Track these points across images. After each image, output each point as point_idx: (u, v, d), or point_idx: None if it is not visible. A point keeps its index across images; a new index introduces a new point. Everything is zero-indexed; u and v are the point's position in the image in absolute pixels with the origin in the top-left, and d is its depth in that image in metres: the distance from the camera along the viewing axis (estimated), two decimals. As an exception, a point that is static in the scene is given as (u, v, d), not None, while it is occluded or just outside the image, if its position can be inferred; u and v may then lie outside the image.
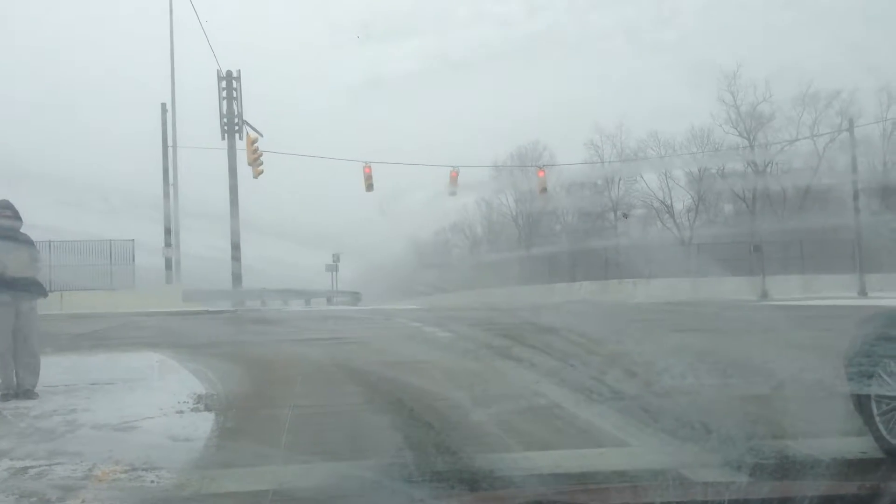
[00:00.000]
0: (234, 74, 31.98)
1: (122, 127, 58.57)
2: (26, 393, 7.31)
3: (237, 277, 29.81)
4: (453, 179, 31.64)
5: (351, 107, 77.98)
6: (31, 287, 7.65)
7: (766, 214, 43.14)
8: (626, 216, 48.40)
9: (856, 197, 34.69)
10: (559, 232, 53.68)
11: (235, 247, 28.99)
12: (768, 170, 44.85)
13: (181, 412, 6.47)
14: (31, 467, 4.63)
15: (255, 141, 29.81)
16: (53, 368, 9.31)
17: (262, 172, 29.49)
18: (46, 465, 4.66)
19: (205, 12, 62.42)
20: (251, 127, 30.61)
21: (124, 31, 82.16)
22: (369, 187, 30.63)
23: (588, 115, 64.46)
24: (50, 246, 27.97)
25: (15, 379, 7.38)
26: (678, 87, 77.24)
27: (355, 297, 39.04)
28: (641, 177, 48.38)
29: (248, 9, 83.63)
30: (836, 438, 4.82)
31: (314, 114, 73.02)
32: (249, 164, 29.66)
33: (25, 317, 7.50)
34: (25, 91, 61.73)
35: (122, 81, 74.18)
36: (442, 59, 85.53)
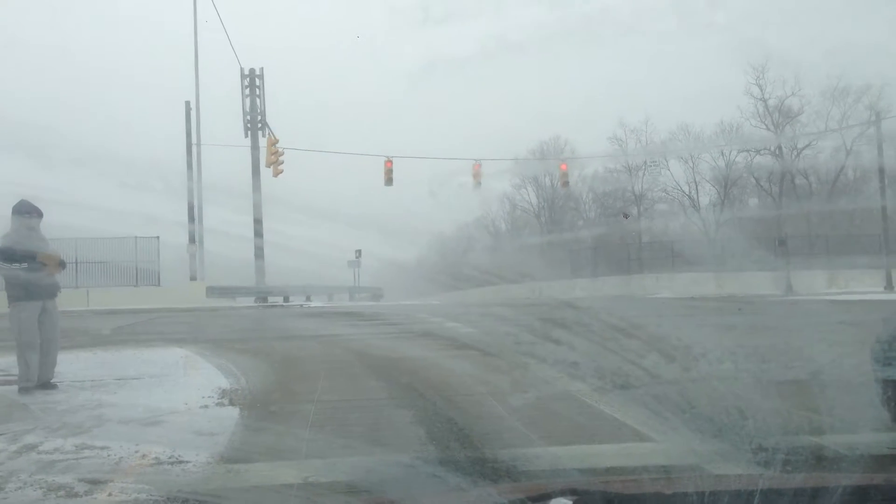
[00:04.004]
0: (258, 72, 32.21)
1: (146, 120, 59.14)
2: (47, 385, 7.50)
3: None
4: (477, 172, 31.60)
5: (391, 100, 78.14)
6: (55, 286, 7.85)
7: (793, 208, 42.69)
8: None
9: (883, 191, 34.23)
10: (581, 227, 53.49)
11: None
12: (795, 164, 44.33)
13: (206, 407, 6.53)
14: (59, 461, 4.69)
15: (275, 143, 30.02)
16: (81, 364, 9.44)
17: (281, 172, 29.72)
18: (74, 459, 4.72)
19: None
20: (270, 130, 30.90)
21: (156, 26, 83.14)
22: (389, 181, 30.64)
23: (616, 110, 64.20)
24: (76, 243, 28.29)
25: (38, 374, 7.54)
26: (720, 73, 76.25)
27: (377, 293, 39.14)
28: (668, 169, 48.09)
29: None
30: (863, 434, 4.75)
31: (357, 107, 73.62)
32: (268, 167, 29.92)
33: (49, 314, 7.68)
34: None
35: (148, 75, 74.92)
36: (483, 49, 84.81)
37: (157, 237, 30.65)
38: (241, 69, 32.05)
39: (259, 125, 32.14)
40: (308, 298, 32.93)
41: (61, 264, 8.03)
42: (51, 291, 7.74)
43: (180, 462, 4.58)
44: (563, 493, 2.20)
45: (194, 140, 32.42)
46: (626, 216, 48.31)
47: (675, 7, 76.75)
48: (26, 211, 7.62)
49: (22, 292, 7.49)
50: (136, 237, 30.23)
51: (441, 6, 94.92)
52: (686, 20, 71.97)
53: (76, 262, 28.64)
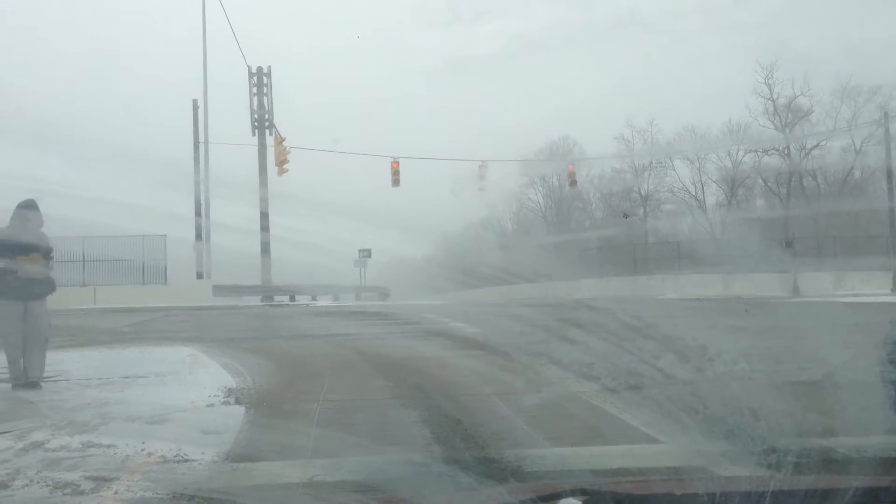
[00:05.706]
0: (265, 70, 32.29)
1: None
2: (33, 384, 7.51)
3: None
4: (481, 174, 31.62)
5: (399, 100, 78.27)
6: (42, 287, 7.78)
7: (800, 209, 42.58)
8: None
9: (890, 192, 34.07)
10: (588, 227, 53.44)
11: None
12: (804, 164, 44.16)
13: (212, 405, 6.53)
14: (66, 459, 4.69)
15: (281, 141, 30.16)
16: (88, 362, 9.46)
17: (286, 171, 29.91)
18: (80, 457, 4.72)
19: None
20: (277, 130, 31.07)
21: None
22: (395, 182, 30.67)
23: (627, 109, 64.10)
24: (83, 241, 28.37)
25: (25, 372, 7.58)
26: (732, 70, 75.85)
27: (384, 292, 39.09)
28: (674, 170, 48.04)
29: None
30: (873, 437, 4.72)
31: (372, 105, 73.82)
32: (276, 165, 30.10)
33: (35, 315, 7.64)
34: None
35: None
36: (503, 49, 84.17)
37: (165, 235, 30.70)
38: (249, 68, 32.15)
39: (266, 124, 32.21)
40: (314, 298, 32.91)
41: (48, 266, 7.96)
42: (36, 293, 7.67)
43: (186, 460, 4.57)
44: (573, 493, 2.19)
45: (202, 138, 32.46)
46: (626, 216, 48.29)
47: (699, 4, 76.53)
48: (26, 207, 7.65)
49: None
50: (143, 235, 30.25)
51: (466, 4, 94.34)
52: (708, 17, 71.70)
53: (83, 260, 28.74)
